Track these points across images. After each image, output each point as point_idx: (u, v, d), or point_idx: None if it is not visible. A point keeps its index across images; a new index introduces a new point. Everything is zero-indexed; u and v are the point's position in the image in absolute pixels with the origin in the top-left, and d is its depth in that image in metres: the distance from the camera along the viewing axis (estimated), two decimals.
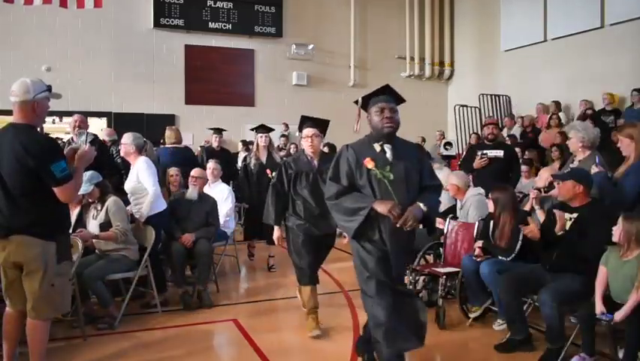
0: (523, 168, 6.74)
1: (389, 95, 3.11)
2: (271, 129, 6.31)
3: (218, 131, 8.08)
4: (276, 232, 4.26)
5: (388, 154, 3.03)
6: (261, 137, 6.06)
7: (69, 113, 5.73)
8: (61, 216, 3.13)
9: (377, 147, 3.03)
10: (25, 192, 2.96)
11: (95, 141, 5.76)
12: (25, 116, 3.03)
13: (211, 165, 6.10)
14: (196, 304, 4.81)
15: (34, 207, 2.98)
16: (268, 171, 5.85)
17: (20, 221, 2.98)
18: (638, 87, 8.80)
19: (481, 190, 5.02)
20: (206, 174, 5.75)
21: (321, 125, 4.29)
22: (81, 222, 4.59)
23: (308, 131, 4.19)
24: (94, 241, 4.43)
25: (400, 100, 3.14)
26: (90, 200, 4.53)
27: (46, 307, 3.08)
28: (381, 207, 2.89)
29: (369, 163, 2.97)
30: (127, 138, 4.88)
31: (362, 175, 3.00)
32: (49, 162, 2.91)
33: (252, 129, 6.38)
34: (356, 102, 3.22)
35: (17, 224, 2.98)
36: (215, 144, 8.03)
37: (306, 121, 4.28)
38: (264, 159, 6.06)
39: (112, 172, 5.62)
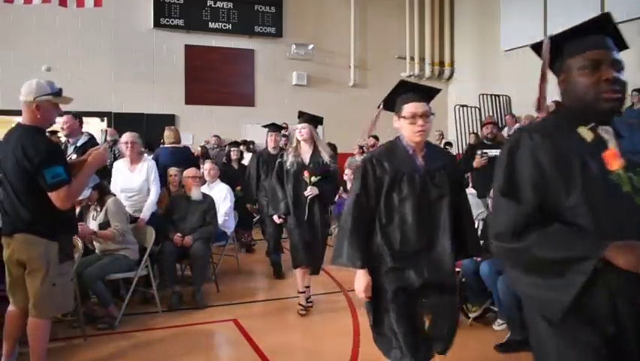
0: None
1: (606, 37, 1.69)
2: (319, 119, 4.69)
3: (276, 127, 6.10)
4: (364, 280, 2.50)
5: (612, 144, 1.57)
6: (295, 129, 4.65)
7: (69, 113, 5.62)
8: (65, 216, 3.12)
9: (585, 132, 1.60)
10: (26, 191, 3.00)
11: (90, 141, 5.70)
12: (29, 118, 3.08)
13: (207, 165, 6.12)
14: (191, 305, 4.81)
15: (37, 206, 3.00)
16: (306, 173, 4.47)
17: (24, 219, 3.02)
18: (638, 87, 8.80)
19: (472, 191, 5.05)
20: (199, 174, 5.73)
21: (430, 96, 2.64)
22: (80, 220, 4.59)
23: (413, 106, 2.48)
24: (93, 240, 4.44)
25: (623, 44, 1.71)
26: (89, 203, 4.54)
27: (48, 306, 3.10)
28: (626, 258, 1.45)
29: (614, 160, 1.53)
30: (135, 137, 5.01)
31: (573, 185, 1.54)
32: (43, 167, 2.93)
33: (300, 116, 4.74)
34: (537, 48, 1.81)
35: (21, 222, 3.02)
36: (271, 145, 6.03)
37: (409, 90, 2.57)
38: (306, 157, 4.57)
39: (106, 173, 5.53)
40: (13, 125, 3.22)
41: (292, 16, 12.81)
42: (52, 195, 2.96)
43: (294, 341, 4.13)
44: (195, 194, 5.18)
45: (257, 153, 6.48)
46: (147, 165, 4.99)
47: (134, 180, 4.93)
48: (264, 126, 6.26)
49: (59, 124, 5.39)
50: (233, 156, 7.99)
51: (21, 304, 3.15)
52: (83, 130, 5.70)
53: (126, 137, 5.02)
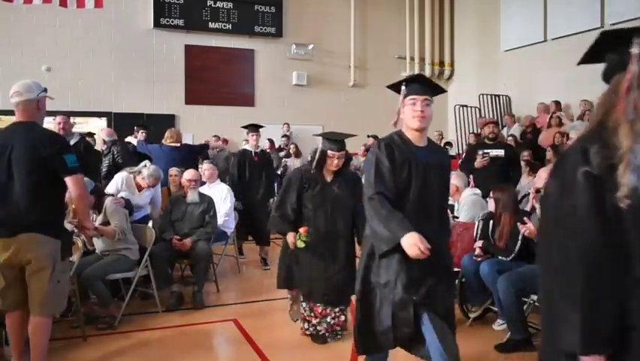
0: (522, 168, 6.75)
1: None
2: None
3: (428, 89, 2.76)
4: None
5: None
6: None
7: (70, 113, 5.64)
8: (64, 215, 3.25)
9: None
10: (37, 186, 3.03)
11: (81, 141, 5.70)
12: (30, 115, 3.13)
13: (205, 166, 6.12)
14: (191, 305, 4.81)
15: (46, 205, 3.09)
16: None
17: (33, 218, 3.04)
18: None
19: (477, 191, 5.03)
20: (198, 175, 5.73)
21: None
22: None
23: None
24: (93, 236, 4.44)
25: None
26: None
27: (55, 304, 3.19)
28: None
29: None
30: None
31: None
32: (61, 152, 3.07)
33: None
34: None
35: (30, 221, 3.04)
36: (414, 124, 2.66)
37: None
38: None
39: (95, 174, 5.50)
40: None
41: (292, 16, 12.81)
42: (71, 180, 3.12)
43: (294, 340, 4.13)
44: (192, 197, 5.18)
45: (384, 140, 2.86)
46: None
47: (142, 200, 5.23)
48: (389, 88, 2.85)
49: (54, 124, 5.45)
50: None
51: (12, 307, 3.18)
52: (74, 130, 5.75)
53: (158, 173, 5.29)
